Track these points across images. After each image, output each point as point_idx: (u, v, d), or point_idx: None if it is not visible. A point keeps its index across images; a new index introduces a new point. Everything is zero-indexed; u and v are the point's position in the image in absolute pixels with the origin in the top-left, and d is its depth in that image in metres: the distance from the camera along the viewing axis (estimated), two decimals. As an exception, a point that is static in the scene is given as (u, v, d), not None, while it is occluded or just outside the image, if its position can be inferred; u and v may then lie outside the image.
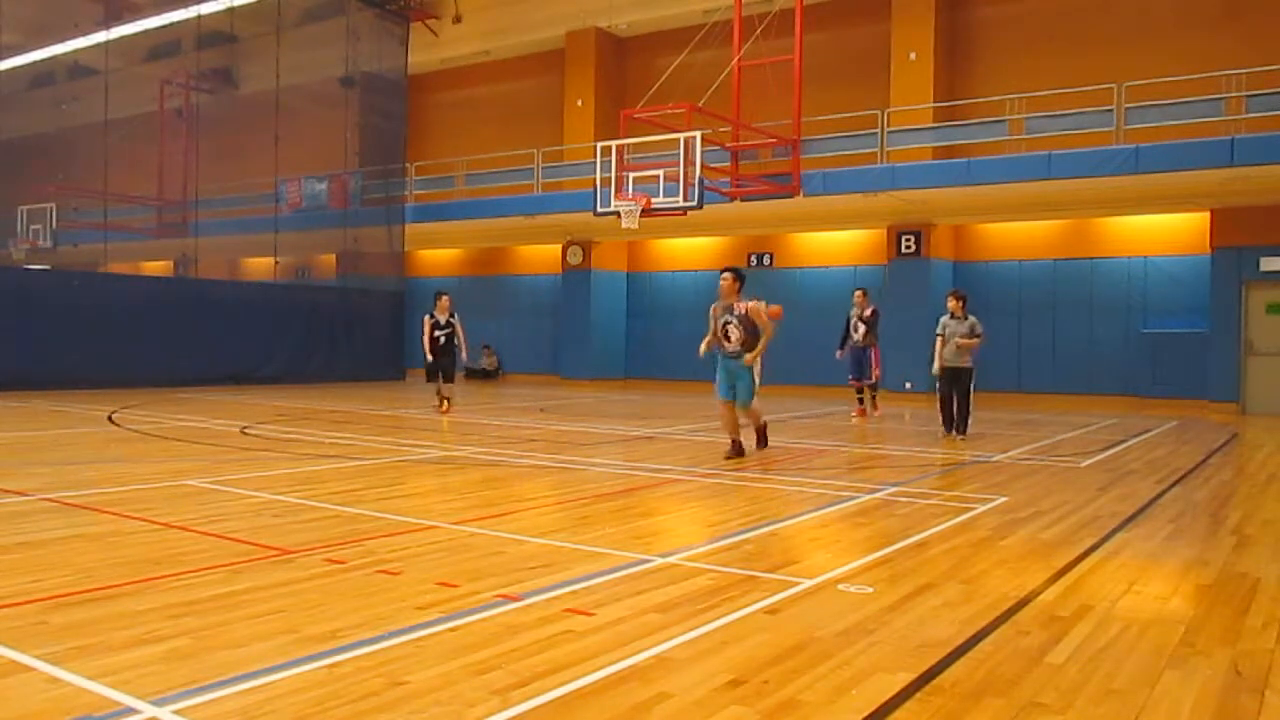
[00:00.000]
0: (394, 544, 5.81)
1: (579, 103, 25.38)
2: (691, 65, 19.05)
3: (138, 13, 26.16)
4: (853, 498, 7.88)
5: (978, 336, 12.15)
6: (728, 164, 19.24)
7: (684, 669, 3.70)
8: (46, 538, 5.91)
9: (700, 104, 17.94)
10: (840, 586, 4.99)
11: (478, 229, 25.46)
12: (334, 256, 27.00)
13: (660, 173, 17.10)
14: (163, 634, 4.01)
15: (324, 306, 24.37)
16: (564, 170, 23.80)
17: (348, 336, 24.53)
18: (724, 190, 18.82)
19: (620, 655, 3.82)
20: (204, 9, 25.06)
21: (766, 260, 23.94)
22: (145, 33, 26.83)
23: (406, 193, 26.37)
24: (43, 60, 28.71)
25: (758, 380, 10.27)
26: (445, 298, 15.67)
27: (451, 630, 4.13)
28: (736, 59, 18.98)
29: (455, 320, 15.58)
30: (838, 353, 16.03)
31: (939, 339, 12.39)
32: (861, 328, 15.60)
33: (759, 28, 18.75)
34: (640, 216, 17.18)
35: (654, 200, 17.04)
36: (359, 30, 26.28)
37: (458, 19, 26.60)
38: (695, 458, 10.45)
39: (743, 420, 10.46)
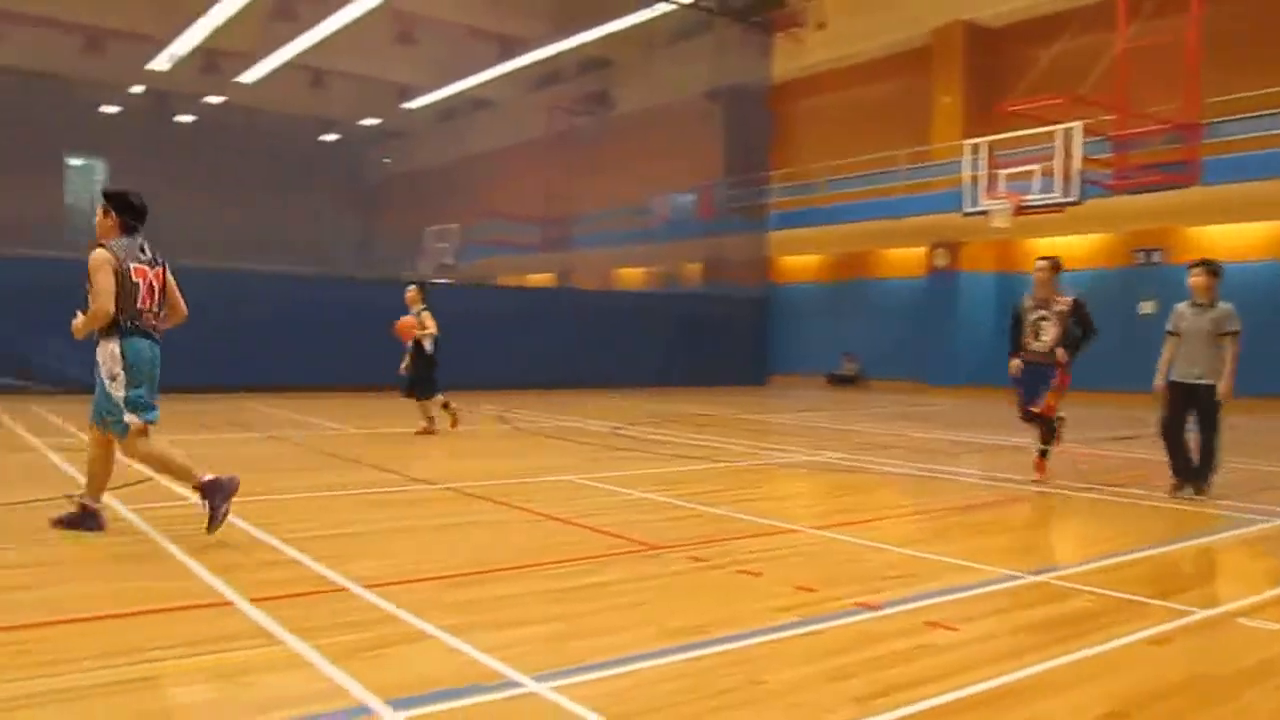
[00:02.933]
0: (754, 545, 5.91)
1: (946, 100, 24.55)
2: (1066, 53, 17.82)
3: (527, 46, 28.59)
4: (1257, 521, 7.01)
5: (1230, 334, 7.75)
6: (1108, 154, 17.81)
7: (1056, 694, 3.46)
8: (447, 523, 6.57)
9: (1080, 92, 16.75)
10: (1241, 620, 4.45)
11: (840, 233, 25.31)
12: (700, 265, 27.98)
13: (1036, 167, 16.20)
14: (541, 616, 4.32)
15: (690, 313, 25.26)
16: (929, 170, 23.13)
17: (712, 342, 25.27)
18: (1106, 183, 17.44)
19: (986, 674, 3.63)
20: (585, 36, 26.92)
21: (1155, 257, 21.86)
22: (531, 65, 29.28)
23: (770, 200, 26.78)
24: (449, 97, 32.12)
25: (117, 391, 5.45)
26: (413, 289, 12.39)
27: (809, 634, 4.13)
28: (1123, 41, 17.52)
29: (424, 315, 12.09)
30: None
31: (1171, 339, 8.08)
32: (1052, 329, 8.78)
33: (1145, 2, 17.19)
34: (1013, 215, 16.35)
35: (1027, 197, 16.16)
36: (726, 44, 27.02)
37: (822, 25, 26.58)
38: (1066, 471, 9.74)
39: (141, 464, 5.71)
